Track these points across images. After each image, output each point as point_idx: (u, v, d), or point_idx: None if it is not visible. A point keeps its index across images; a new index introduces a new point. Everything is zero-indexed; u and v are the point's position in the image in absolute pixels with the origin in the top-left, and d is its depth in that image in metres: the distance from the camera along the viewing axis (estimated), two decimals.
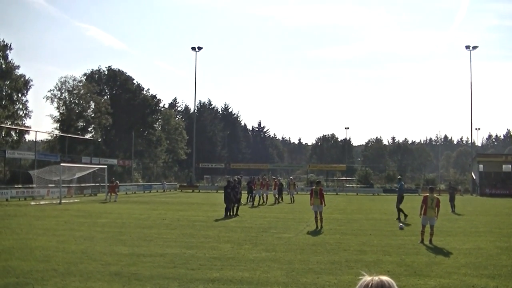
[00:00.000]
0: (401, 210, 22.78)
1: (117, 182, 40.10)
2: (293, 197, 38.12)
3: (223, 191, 26.15)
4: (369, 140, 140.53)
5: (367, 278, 2.11)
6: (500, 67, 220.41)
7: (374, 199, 47.48)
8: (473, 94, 78.17)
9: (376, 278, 2.09)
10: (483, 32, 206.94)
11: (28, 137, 63.71)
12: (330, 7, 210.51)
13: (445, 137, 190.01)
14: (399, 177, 29.19)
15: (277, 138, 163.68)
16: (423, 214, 15.21)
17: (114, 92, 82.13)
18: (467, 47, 70.06)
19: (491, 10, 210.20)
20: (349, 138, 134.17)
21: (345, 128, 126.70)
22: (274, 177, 43.00)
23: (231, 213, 24.08)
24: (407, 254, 12.89)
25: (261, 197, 33.86)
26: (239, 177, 31.97)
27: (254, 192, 33.44)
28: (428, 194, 15.54)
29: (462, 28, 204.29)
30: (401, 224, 18.87)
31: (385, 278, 2.12)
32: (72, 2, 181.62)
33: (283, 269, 10.50)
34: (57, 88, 68.57)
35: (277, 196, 36.26)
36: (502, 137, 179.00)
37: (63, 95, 69.21)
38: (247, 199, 33.02)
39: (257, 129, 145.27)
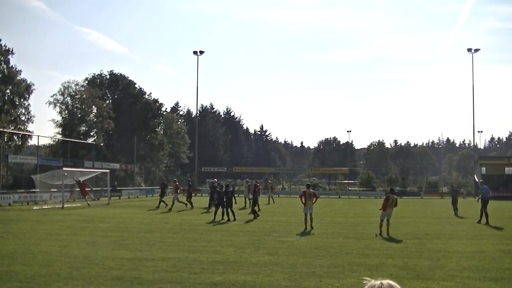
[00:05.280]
0: (487, 214, 23.03)
1: (88, 183, 38.27)
2: (272, 199, 41.56)
3: (217, 194, 25.45)
4: (371, 143, 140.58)
5: (375, 282, 2.10)
6: (502, 69, 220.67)
7: (376, 202, 47.22)
8: (475, 97, 78.01)
9: (385, 282, 2.09)
10: (485, 35, 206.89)
11: (31, 142, 63.52)
12: (331, 11, 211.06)
13: (448, 140, 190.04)
14: (481, 180, 29.33)
15: (279, 141, 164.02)
16: (383, 210, 17.76)
17: (116, 96, 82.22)
18: (469, 50, 70.00)
19: (492, 13, 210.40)
20: (351, 141, 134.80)
21: (347, 131, 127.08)
22: (249, 181, 42.47)
23: (230, 218, 23.60)
24: (410, 257, 12.86)
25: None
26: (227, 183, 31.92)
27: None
28: (390, 195, 18.17)
29: (464, 31, 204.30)
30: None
31: (392, 282, 2.11)
32: (73, 7, 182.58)
33: (285, 273, 10.48)
34: (60, 93, 68.72)
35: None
36: (504, 139, 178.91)
37: (66, 99, 69.38)
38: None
39: (259, 132, 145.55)
